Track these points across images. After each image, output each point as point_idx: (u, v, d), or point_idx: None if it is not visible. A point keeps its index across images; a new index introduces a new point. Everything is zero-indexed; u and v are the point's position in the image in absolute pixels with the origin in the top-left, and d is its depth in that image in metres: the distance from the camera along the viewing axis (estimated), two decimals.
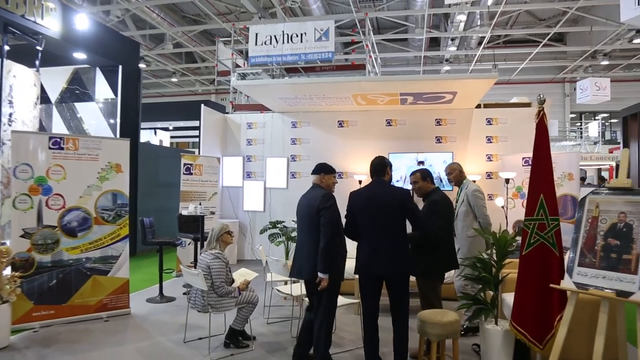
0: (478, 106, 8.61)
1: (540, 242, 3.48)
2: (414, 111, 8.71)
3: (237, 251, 9.02)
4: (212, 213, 6.43)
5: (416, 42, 16.55)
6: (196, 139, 20.01)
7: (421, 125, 8.75)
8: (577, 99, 14.77)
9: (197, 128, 14.01)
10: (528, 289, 3.46)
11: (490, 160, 8.52)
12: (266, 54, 8.77)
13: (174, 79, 21.18)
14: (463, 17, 13.74)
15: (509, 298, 3.82)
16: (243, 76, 10.77)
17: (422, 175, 4.17)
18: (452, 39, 16.07)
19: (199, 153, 9.90)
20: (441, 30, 16.20)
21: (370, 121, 8.89)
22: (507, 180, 6.94)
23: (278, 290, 5.09)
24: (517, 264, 3.60)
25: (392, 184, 3.93)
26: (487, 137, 8.57)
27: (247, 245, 9.27)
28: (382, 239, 3.58)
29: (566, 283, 3.26)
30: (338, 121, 9.01)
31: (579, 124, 23.05)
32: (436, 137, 8.72)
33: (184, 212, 6.32)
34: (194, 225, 7.16)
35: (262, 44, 9.44)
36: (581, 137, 22.00)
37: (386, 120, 8.87)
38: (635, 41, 14.97)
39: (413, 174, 4.23)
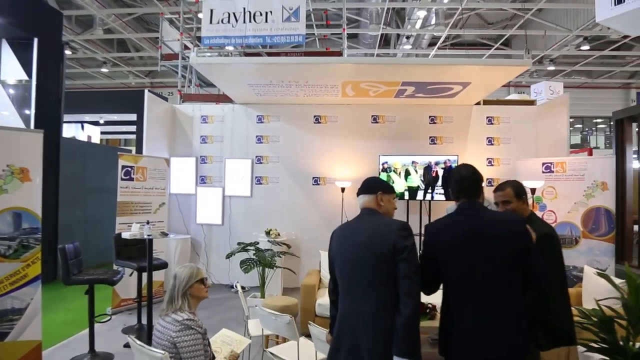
0: (477, 103, 7.45)
1: None
2: (406, 106, 7.40)
3: None
4: (165, 234, 4.73)
5: (367, 39, 15.53)
6: (131, 136, 17.64)
7: (413, 123, 7.46)
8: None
9: (134, 123, 11.96)
10: None
11: (491, 165, 7.38)
12: (223, 34, 7.10)
13: (104, 70, 18.58)
14: (423, 14, 12.90)
15: None
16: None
17: (516, 191, 2.73)
18: (408, 37, 15.21)
19: (138, 152, 8.03)
20: (393, 27, 15.26)
21: (354, 117, 7.47)
22: (532, 191, 5.78)
23: (273, 355, 3.49)
24: None
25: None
26: (487, 138, 7.43)
27: (200, 266, 7.49)
28: (493, 301, 2.16)
29: None
30: (314, 116, 7.51)
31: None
32: (430, 137, 7.45)
33: (126, 235, 4.56)
34: (137, 250, 5.39)
35: (218, 22, 7.77)
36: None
37: (372, 116, 7.49)
38: (583, 48, 14.83)
39: (501, 188, 2.76)
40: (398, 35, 15.68)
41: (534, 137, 7.35)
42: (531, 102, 7.73)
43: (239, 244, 5.76)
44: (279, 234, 7.08)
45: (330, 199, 7.38)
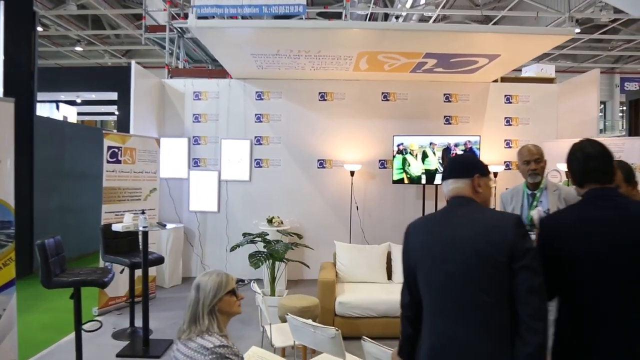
0: (494, 80, 6.90)
1: None
2: (419, 83, 6.79)
3: (183, 266, 6.58)
4: (163, 226, 4.03)
5: (354, 19, 14.82)
6: (110, 117, 16.62)
7: (427, 101, 6.86)
8: None
9: (113, 102, 11.06)
10: None
11: (509, 147, 6.87)
12: (216, 3, 6.40)
13: (78, 48, 17.33)
14: None
15: None
16: (182, 32, 8.21)
17: (626, 174, 2.17)
18: (397, 17, 14.57)
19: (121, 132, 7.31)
20: (380, 6, 14.56)
21: (362, 94, 6.84)
22: (566, 174, 5.27)
23: None
24: None
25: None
26: (505, 118, 6.90)
27: (194, 257, 6.84)
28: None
29: None
30: (320, 93, 6.84)
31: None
32: (445, 116, 6.88)
33: (118, 227, 3.88)
34: (128, 243, 4.71)
35: None
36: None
37: (382, 93, 6.86)
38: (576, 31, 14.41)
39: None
40: (386, 15, 15.04)
41: (554, 117, 6.86)
42: (550, 80, 7.21)
43: (244, 235, 5.11)
44: (282, 222, 6.46)
45: (338, 183, 6.77)
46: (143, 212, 4.06)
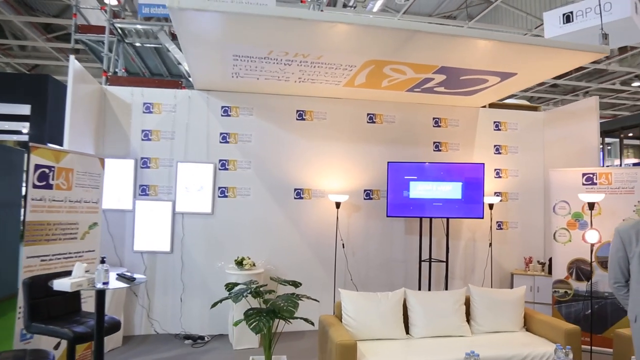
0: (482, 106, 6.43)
1: None
2: (407, 105, 6.11)
3: (124, 322, 5.10)
4: (131, 279, 2.75)
5: None
6: (13, 136, 14.20)
7: (415, 125, 6.18)
8: None
9: (25, 119, 9.14)
10: None
11: (499, 177, 6.36)
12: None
13: None
14: None
15: None
16: (123, 35, 6.90)
17: None
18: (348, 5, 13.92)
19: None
20: None
21: (346, 114, 5.99)
22: (591, 206, 4.75)
23: None
24: None
25: None
26: (495, 146, 6.41)
27: (139, 310, 5.40)
28: None
29: None
30: (297, 111, 5.88)
31: None
32: (434, 142, 6.23)
33: (63, 286, 2.57)
34: (65, 303, 3.34)
35: None
36: None
37: (368, 114, 6.07)
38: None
39: None
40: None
41: (541, 146, 6.50)
42: (534, 108, 6.89)
43: (228, 285, 3.90)
44: (254, 265, 5.31)
45: (319, 217, 5.78)
46: (103, 261, 2.77)
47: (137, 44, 6.95)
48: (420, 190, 5.54)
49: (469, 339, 4.11)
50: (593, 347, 4.84)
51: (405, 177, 5.56)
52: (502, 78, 4.93)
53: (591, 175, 5.26)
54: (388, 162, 5.57)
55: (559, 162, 6.08)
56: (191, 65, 4.77)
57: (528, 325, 4.41)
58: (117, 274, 3.07)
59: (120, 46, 6.94)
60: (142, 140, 5.52)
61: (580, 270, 5.20)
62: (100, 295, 2.76)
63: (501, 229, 6.31)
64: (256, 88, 5.54)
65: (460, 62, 4.48)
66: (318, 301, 4.15)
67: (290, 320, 3.51)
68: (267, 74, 4.92)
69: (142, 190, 5.49)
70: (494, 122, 6.41)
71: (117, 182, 5.40)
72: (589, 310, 5.09)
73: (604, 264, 5.05)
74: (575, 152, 5.95)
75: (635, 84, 12.78)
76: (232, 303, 4.91)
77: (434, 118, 6.23)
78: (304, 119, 5.87)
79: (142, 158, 5.51)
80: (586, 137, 5.80)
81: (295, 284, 4.04)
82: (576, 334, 3.94)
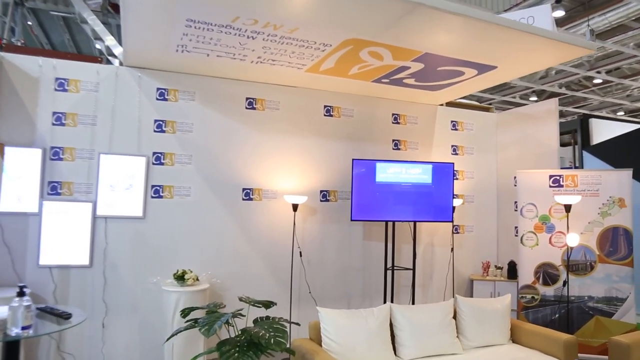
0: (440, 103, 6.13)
1: None
2: (365, 98, 5.60)
3: (24, 357, 3.93)
4: (64, 317, 1.86)
5: None
6: None
7: (374, 120, 5.69)
8: None
9: None
10: None
11: (456, 179, 6.09)
12: None
13: None
14: None
15: None
16: None
17: None
18: None
19: None
20: None
21: (301, 105, 5.31)
22: (567, 208, 4.57)
23: None
24: None
25: None
26: (452, 146, 6.13)
27: (44, 342, 4.22)
28: None
29: None
30: (247, 99, 5.08)
31: None
32: (393, 140, 5.78)
33: None
34: None
35: None
36: None
37: (325, 107, 5.45)
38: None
39: None
40: None
41: (495, 148, 6.36)
42: (487, 109, 6.76)
43: (184, 311, 3.03)
44: (197, 279, 4.42)
45: (272, 221, 5.02)
46: (23, 292, 1.83)
47: (41, 9, 5.66)
48: (387, 189, 5.04)
49: (461, 357, 3.66)
50: (580, 355, 4.66)
51: (372, 177, 5.02)
52: (480, 71, 4.59)
53: (558, 177, 5.13)
54: (353, 159, 4.98)
55: (514, 164, 5.95)
56: (127, 30, 3.78)
57: (514, 336, 4.08)
58: (37, 308, 2.10)
59: (18, 10, 5.61)
60: (53, 124, 4.36)
61: (548, 274, 5.03)
62: (12, 347, 1.81)
63: (458, 232, 6.03)
64: (202, 68, 4.66)
65: (445, 50, 4.03)
66: (299, 324, 3.41)
67: (273, 354, 2.76)
68: (221, 50, 4.08)
69: (52, 188, 4.33)
70: (451, 121, 6.14)
71: (16, 177, 4.20)
72: (557, 315, 4.94)
73: (572, 267, 4.92)
74: (531, 154, 5.84)
75: (533, 98, 13.60)
76: (171, 330, 4.06)
77: (393, 114, 5.78)
78: (254, 108, 5.08)
79: (52, 147, 4.34)
80: (543, 139, 5.71)
81: (267, 305, 3.27)
82: (573, 344, 3.66)
